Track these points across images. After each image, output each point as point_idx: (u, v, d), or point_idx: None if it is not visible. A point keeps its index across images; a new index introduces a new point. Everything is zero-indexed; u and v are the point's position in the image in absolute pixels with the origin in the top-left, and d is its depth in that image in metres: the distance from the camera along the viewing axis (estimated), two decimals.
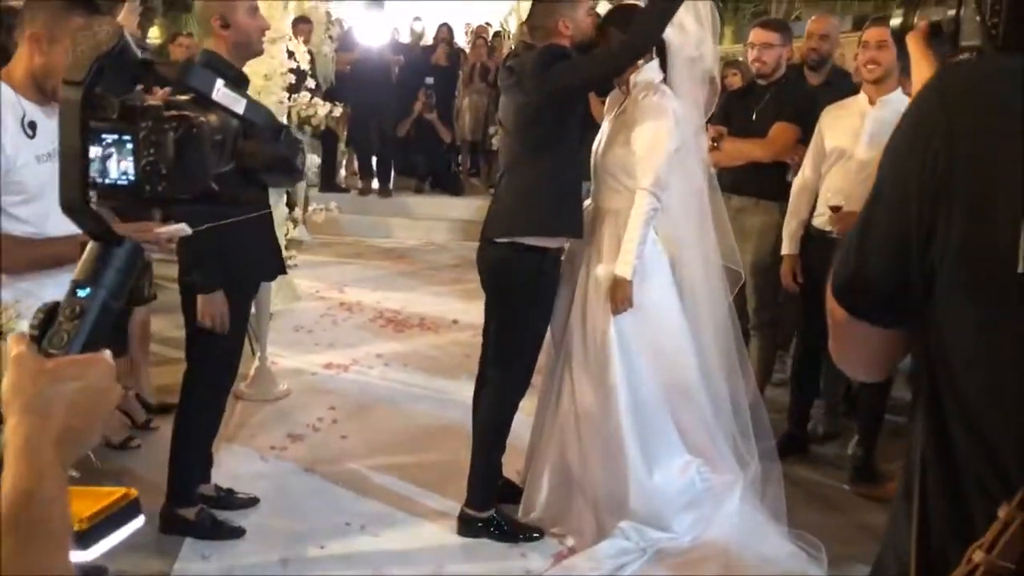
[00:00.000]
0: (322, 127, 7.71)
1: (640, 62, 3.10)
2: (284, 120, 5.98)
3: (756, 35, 4.12)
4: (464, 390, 3.47)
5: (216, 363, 3.13)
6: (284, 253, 6.02)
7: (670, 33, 3.08)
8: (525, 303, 3.12)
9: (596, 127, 3.34)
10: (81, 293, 0.94)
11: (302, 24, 8.32)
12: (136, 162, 0.97)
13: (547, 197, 3.07)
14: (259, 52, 3.07)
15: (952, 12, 1.17)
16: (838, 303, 1.13)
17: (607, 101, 3.33)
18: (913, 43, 1.24)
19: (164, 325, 4.79)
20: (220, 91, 0.97)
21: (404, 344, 5.44)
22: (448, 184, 9.52)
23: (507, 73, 3.17)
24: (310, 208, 7.06)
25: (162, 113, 0.98)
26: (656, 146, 3.01)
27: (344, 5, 9.71)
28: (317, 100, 7.10)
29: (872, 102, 3.58)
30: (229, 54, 2.96)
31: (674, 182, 3.12)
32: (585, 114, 3.22)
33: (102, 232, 0.96)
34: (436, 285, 6.82)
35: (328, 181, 9.03)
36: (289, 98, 6.12)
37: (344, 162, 10.09)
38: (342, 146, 9.62)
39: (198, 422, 3.17)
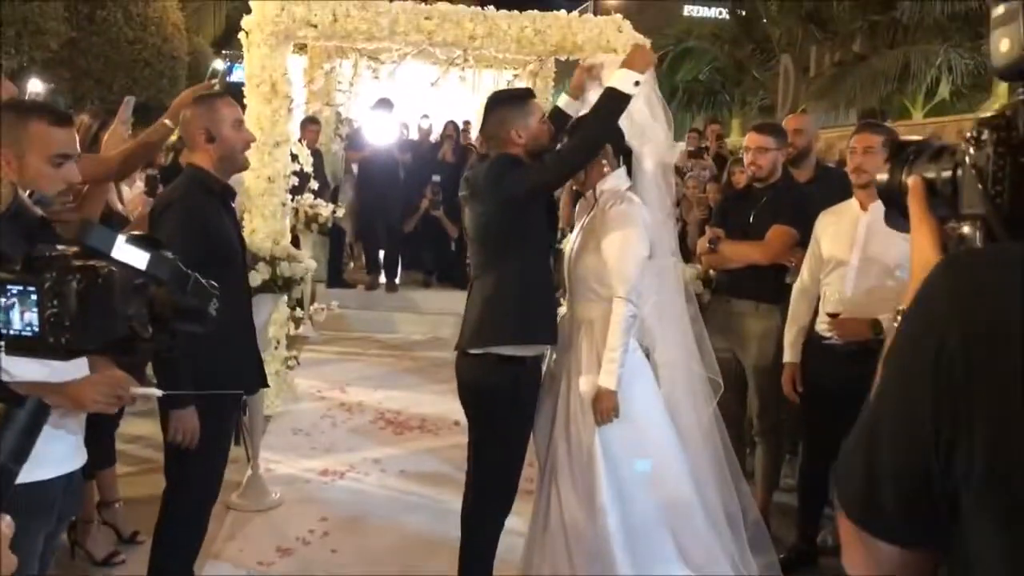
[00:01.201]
0: (329, 224, 7.80)
1: (606, 170, 3.10)
2: (289, 220, 6.04)
3: (751, 139, 4.11)
4: (460, 500, 3.36)
5: (196, 480, 3.03)
6: (285, 353, 6.02)
7: (635, 142, 3.08)
8: (504, 415, 3.03)
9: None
10: None
11: (311, 125, 8.49)
12: (40, 313, 0.96)
13: (514, 304, 3.02)
14: (244, 166, 3.07)
15: (947, 173, 1.05)
16: (847, 517, 1.00)
17: (576, 209, 3.31)
18: (914, 204, 1.09)
19: (156, 430, 4.70)
20: (120, 248, 0.94)
21: (403, 448, 5.32)
22: (454, 277, 9.53)
23: (464, 184, 3.16)
24: (312, 306, 7.07)
25: (69, 264, 0.97)
26: (627, 254, 2.97)
27: (353, 105, 9.92)
28: (320, 201, 7.17)
29: (864, 207, 3.53)
30: (214, 167, 2.96)
31: (646, 289, 3.07)
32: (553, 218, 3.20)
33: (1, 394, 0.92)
34: (438, 383, 6.71)
35: (335, 277, 9.07)
36: (292, 199, 6.19)
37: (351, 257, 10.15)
38: (349, 241, 9.69)
39: (177, 541, 3.05)
